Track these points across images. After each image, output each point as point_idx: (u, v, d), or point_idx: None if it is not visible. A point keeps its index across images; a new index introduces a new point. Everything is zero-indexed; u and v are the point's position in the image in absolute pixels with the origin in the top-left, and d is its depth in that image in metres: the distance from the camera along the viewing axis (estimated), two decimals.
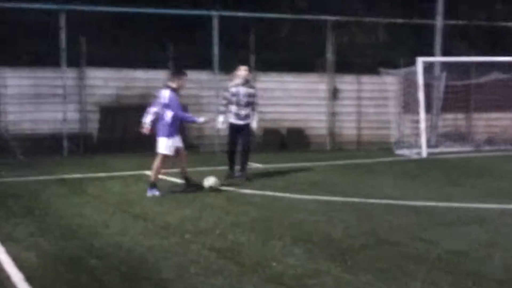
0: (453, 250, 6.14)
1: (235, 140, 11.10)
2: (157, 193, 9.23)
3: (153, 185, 9.29)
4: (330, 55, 17.66)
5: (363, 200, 8.88)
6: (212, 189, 9.53)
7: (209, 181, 9.64)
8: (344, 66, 17.87)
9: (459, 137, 17.62)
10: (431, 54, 17.27)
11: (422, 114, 15.39)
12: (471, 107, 18.02)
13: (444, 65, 17.18)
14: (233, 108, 10.91)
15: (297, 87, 17.64)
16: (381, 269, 5.47)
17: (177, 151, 9.53)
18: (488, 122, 18.43)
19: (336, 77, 17.85)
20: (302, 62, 17.66)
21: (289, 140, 17.42)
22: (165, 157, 9.37)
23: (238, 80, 10.99)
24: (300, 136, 17.74)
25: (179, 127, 9.59)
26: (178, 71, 9.97)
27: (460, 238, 6.63)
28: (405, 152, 15.63)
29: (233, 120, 10.97)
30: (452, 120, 18.34)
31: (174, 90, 9.36)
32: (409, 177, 11.62)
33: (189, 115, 10.66)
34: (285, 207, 8.41)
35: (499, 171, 12.34)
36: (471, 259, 5.84)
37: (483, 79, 17.11)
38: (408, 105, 16.64)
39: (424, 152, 15.19)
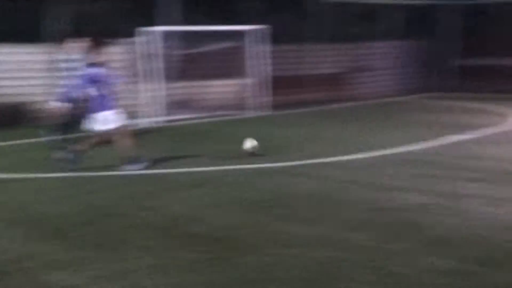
0: (174, 214, 6.33)
1: None
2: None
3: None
4: None
5: (84, 174, 8.55)
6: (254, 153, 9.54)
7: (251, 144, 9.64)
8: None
9: (188, 104, 18.14)
10: (154, 24, 17.37)
11: (145, 85, 15.59)
12: (197, 75, 18.58)
13: (169, 35, 17.44)
14: None
15: None
16: (100, 243, 5.40)
17: None
18: (215, 89, 19.27)
19: None
20: None
21: None
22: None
23: None
24: None
25: None
26: None
27: (183, 202, 6.86)
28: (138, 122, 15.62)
29: None
30: (181, 88, 18.79)
31: None
32: (139, 147, 11.60)
33: None
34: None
35: (223, 135, 13.01)
36: (189, 220, 6.09)
37: (207, 48, 17.77)
38: (137, 76, 16.60)
39: (153, 121, 15.37)
